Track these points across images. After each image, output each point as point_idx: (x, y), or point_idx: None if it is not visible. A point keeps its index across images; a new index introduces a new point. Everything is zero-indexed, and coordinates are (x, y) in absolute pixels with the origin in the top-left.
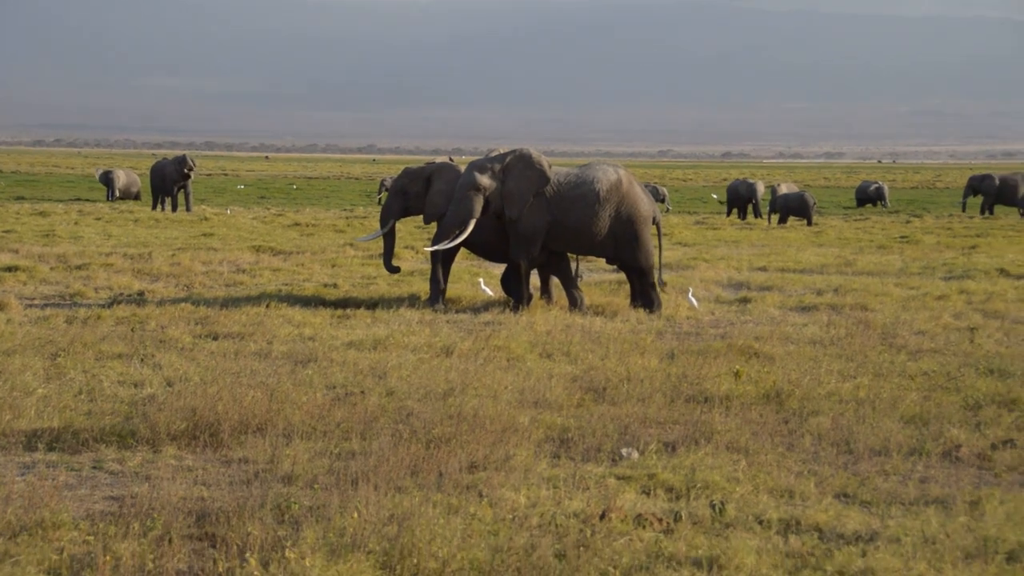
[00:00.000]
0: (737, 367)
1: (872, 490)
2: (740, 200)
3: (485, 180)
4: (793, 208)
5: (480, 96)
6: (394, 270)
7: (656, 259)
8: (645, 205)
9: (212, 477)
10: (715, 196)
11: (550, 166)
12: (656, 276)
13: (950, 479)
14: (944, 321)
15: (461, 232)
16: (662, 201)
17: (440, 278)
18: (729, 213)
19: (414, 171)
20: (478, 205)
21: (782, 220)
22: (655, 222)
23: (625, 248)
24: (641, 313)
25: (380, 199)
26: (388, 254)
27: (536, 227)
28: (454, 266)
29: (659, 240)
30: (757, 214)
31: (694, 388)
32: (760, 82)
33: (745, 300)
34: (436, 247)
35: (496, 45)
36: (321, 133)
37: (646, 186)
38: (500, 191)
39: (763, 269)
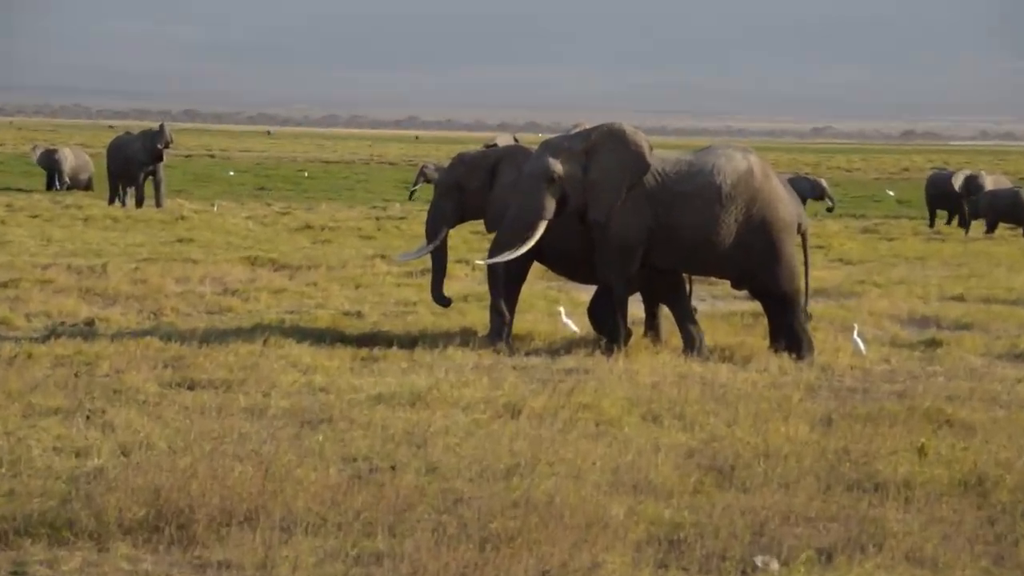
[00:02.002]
0: (922, 440)
1: None
2: (947, 200)
3: (561, 166)
4: (1004, 211)
5: (564, 53)
6: (445, 302)
7: (803, 282)
8: (786, 206)
9: None
10: (891, 193)
11: (651, 148)
12: (804, 303)
13: None
14: None
15: (527, 239)
16: (821, 198)
17: (503, 306)
18: (931, 218)
19: (472, 159)
20: (551, 201)
21: (989, 228)
22: (800, 230)
23: (759, 266)
24: (785, 359)
25: (414, 192)
26: (437, 277)
27: (632, 234)
28: (525, 288)
29: (805, 255)
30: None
31: (860, 470)
32: (954, 34)
33: (934, 343)
34: (495, 260)
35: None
36: (344, 100)
37: (796, 178)
38: (582, 182)
39: (960, 299)
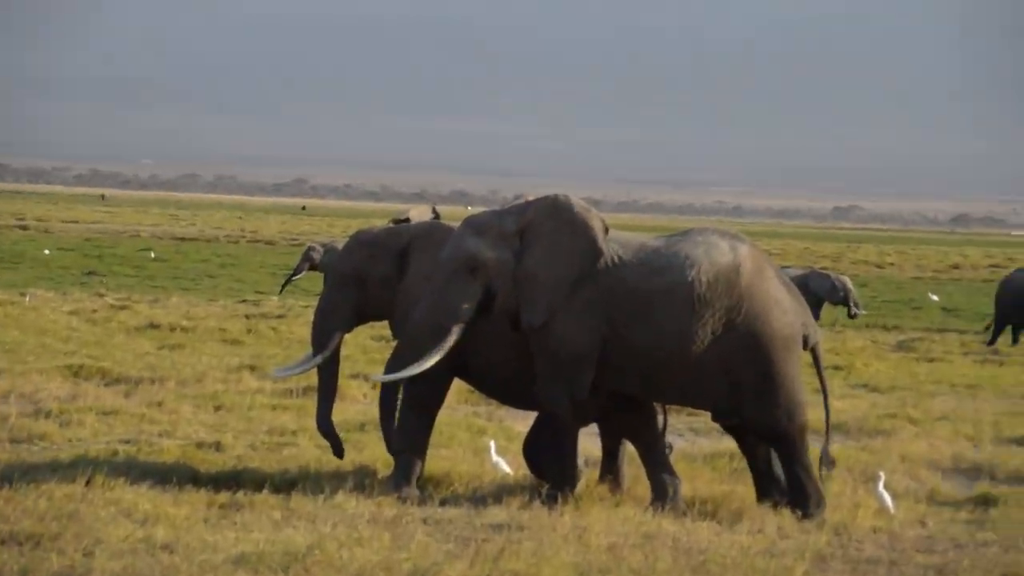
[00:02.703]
0: None
1: None
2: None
3: (487, 252)
4: None
5: (506, 98)
6: (333, 434)
7: (809, 413)
8: (785, 314)
9: None
10: (934, 297)
11: (607, 229)
12: (824, 447)
13: None
14: None
15: (438, 348)
16: (844, 302)
17: (411, 437)
18: (998, 333)
19: (376, 239)
20: (473, 298)
21: None
22: (809, 346)
23: (746, 395)
24: (787, 518)
25: (292, 281)
26: (326, 399)
27: (580, 344)
28: (442, 414)
29: (821, 379)
30: None
31: None
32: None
33: (986, 501)
34: (396, 376)
35: (535, 16)
36: (207, 154)
37: (810, 274)
38: (514, 272)
39: (1022, 443)
